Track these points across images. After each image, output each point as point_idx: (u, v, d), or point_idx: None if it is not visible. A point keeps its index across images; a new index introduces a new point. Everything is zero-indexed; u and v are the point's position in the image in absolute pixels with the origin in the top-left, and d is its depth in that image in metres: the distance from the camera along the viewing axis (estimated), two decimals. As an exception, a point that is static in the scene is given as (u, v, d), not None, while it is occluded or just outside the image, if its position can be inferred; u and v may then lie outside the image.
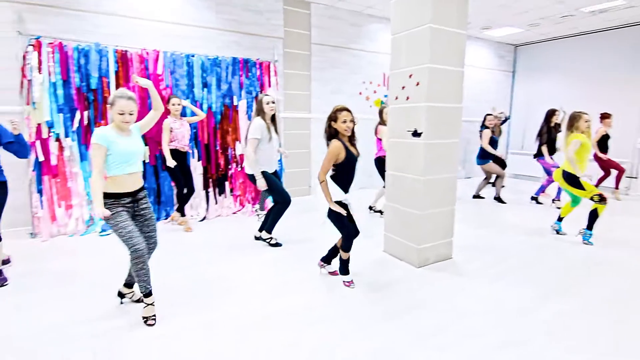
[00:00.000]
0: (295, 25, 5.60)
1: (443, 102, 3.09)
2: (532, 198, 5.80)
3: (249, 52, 5.19)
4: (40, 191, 3.88)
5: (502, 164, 5.98)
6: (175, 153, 4.06)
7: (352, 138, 2.67)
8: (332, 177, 2.65)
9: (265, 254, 3.46)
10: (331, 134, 2.61)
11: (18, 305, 2.45)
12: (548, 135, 5.41)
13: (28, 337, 2.09)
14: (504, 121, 6.54)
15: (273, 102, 3.53)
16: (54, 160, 3.93)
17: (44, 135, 3.87)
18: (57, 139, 3.95)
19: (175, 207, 4.34)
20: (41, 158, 3.86)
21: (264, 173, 3.49)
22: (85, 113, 4.06)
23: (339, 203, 2.61)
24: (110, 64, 4.12)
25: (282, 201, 3.58)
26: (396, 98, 3.30)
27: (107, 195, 2.15)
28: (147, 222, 2.36)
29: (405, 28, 3.13)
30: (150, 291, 2.27)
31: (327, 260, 2.98)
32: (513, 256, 3.46)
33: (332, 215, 2.62)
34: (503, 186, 6.09)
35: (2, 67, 3.79)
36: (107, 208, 2.13)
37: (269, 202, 4.47)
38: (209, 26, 4.89)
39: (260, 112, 3.50)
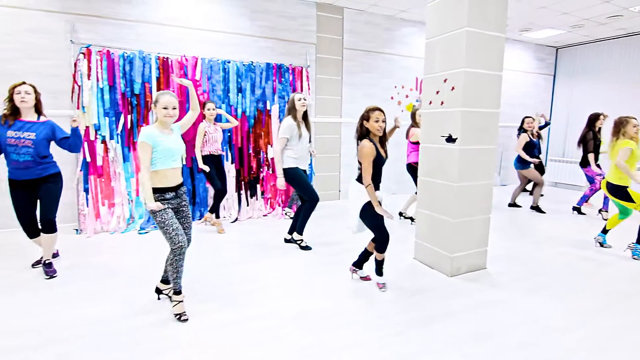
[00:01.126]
0: (327, 31, 5.65)
1: (479, 107, 3.01)
2: (574, 208, 5.49)
3: (282, 57, 5.29)
4: (86, 190, 4.14)
5: (541, 170, 5.72)
6: (209, 157, 4.21)
7: (383, 138, 2.69)
8: (358, 178, 2.67)
9: (295, 257, 3.50)
10: (362, 133, 2.64)
11: (64, 297, 2.62)
12: (593, 141, 5.10)
13: (70, 327, 2.23)
14: (544, 126, 6.26)
15: (305, 100, 3.59)
16: (99, 161, 4.18)
17: (92, 137, 4.13)
18: (103, 141, 4.20)
19: (209, 208, 4.48)
20: (88, 159, 4.12)
21: (295, 169, 3.56)
22: (129, 117, 4.30)
23: (369, 203, 2.61)
24: (152, 70, 4.34)
25: (310, 199, 3.62)
26: (430, 103, 3.25)
27: (152, 190, 2.27)
28: (185, 220, 2.47)
29: (441, 32, 3.08)
30: (181, 289, 2.37)
31: (358, 265, 2.97)
32: (551, 269, 3.29)
33: (367, 216, 2.62)
34: (542, 195, 5.82)
35: (56, 74, 4.09)
36: None
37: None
38: (244, 33, 5.04)
39: (292, 109, 3.55)
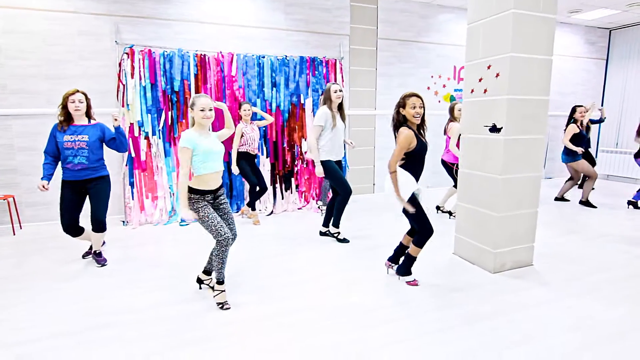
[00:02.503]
0: (361, 21, 5.54)
1: (527, 95, 2.83)
2: (629, 202, 5.08)
3: (315, 50, 5.25)
4: (131, 184, 4.35)
5: (591, 162, 5.33)
6: (245, 155, 4.33)
7: (421, 126, 2.58)
8: (401, 167, 2.56)
9: (331, 250, 3.49)
10: (399, 121, 2.54)
11: (112, 285, 2.77)
12: None
13: (117, 313, 2.35)
14: (597, 121, 5.78)
15: (340, 91, 3.53)
16: (143, 156, 4.37)
17: (136, 133, 4.32)
18: (146, 137, 4.38)
19: (246, 202, 4.57)
20: (133, 154, 4.32)
21: (327, 162, 3.53)
22: (169, 113, 4.45)
23: (411, 195, 2.52)
24: (190, 67, 4.46)
25: (343, 191, 3.58)
26: (472, 91, 3.09)
27: (192, 191, 2.35)
28: (226, 216, 2.54)
29: (485, 15, 2.92)
30: (224, 279, 2.45)
31: (394, 260, 2.91)
32: (605, 268, 3.06)
33: (413, 210, 2.52)
34: (593, 188, 5.43)
35: (103, 74, 4.31)
36: (192, 202, 2.34)
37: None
38: (278, 27, 5.05)
39: (327, 100, 3.52)
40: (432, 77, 6.21)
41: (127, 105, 4.25)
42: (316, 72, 5.12)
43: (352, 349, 1.98)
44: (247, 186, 4.87)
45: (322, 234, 3.84)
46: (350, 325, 2.22)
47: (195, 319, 2.29)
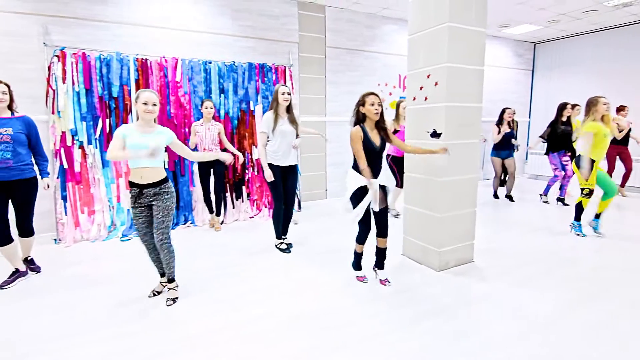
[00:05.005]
0: (310, 30, 5.61)
1: (462, 102, 3.03)
2: (558, 199, 5.63)
3: (264, 57, 5.23)
4: (64, 198, 3.99)
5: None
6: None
7: (380, 123, 2.68)
8: (353, 165, 2.69)
9: (284, 258, 3.45)
10: (358, 119, 2.66)
11: (43, 309, 2.51)
12: (552, 129, 5.44)
13: (52, 339, 2.14)
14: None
15: (289, 94, 3.45)
16: (77, 168, 4.03)
17: (68, 143, 3.99)
18: (81, 147, 4.06)
19: (212, 211, 4.51)
20: (65, 165, 3.97)
21: (271, 166, 3.46)
22: (107, 121, 4.17)
23: (363, 188, 2.62)
24: (130, 72, 4.22)
25: (275, 200, 3.55)
26: (414, 99, 3.25)
27: (129, 183, 2.53)
28: (156, 217, 2.51)
29: (423, 28, 3.09)
30: (172, 276, 2.64)
31: (378, 264, 2.95)
32: (536, 260, 3.34)
33: (355, 203, 2.65)
34: (501, 186, 6.18)
35: (29, 78, 3.93)
36: (131, 196, 2.52)
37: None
38: (225, 33, 4.95)
39: (275, 101, 3.44)
40: (379, 85, 6.44)
41: (58, 112, 3.92)
42: (266, 79, 5.09)
43: (309, 356, 1.97)
44: (194, 195, 4.69)
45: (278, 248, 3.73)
46: (307, 332, 2.21)
47: (143, 337, 2.15)
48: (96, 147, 4.13)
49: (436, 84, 3.00)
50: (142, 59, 4.30)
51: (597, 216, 3.99)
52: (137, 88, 4.28)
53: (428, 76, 3.07)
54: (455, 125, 3.01)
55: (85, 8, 4.13)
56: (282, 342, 2.11)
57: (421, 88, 3.15)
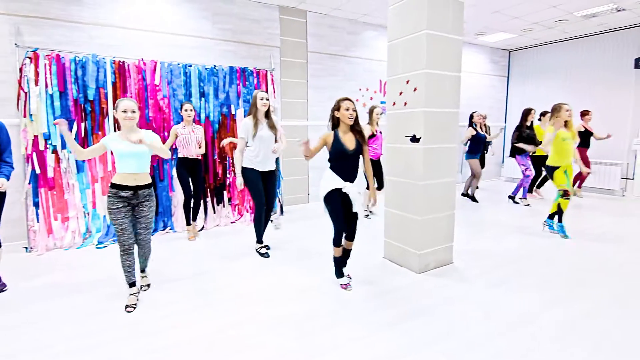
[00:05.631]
0: (291, 34, 5.63)
1: (440, 107, 3.10)
2: (509, 196, 6.06)
3: (246, 61, 5.21)
4: (36, 204, 3.85)
5: (482, 164, 6.35)
6: (184, 161, 4.12)
7: (355, 127, 2.75)
8: (331, 166, 2.79)
9: (265, 263, 3.43)
10: (334, 123, 2.76)
11: (16, 321, 2.40)
12: (519, 133, 5.75)
13: (31, 351, 2.05)
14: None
15: (267, 99, 3.47)
16: (50, 173, 3.90)
17: (41, 147, 3.85)
18: (54, 151, 3.92)
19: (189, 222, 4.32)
20: (37, 170, 3.83)
21: (250, 170, 3.47)
22: (82, 124, 4.05)
23: (337, 190, 2.70)
24: (107, 74, 4.12)
25: (255, 205, 3.56)
26: (394, 104, 3.30)
27: (111, 185, 2.58)
28: (141, 220, 2.65)
29: (402, 34, 3.15)
30: (133, 282, 2.65)
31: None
32: (513, 260, 3.44)
33: (328, 205, 2.73)
34: (477, 187, 6.41)
35: (2, 80, 3.78)
36: (109, 199, 2.54)
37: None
38: (205, 36, 4.91)
39: (254, 107, 3.46)
40: (360, 89, 6.51)
41: (30, 115, 3.78)
42: (247, 83, 5.06)
43: (287, 359, 1.96)
44: (174, 201, 4.60)
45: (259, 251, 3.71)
46: (288, 336, 2.20)
47: (119, 348, 2.09)
48: (70, 152, 4.00)
49: (415, 89, 3.06)
50: (120, 61, 4.20)
51: (551, 216, 4.24)
52: (114, 91, 4.18)
53: (407, 82, 3.13)
54: (433, 129, 3.07)
55: (60, 8, 4.02)
56: (262, 347, 2.09)
57: (401, 93, 3.21)
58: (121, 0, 4.34)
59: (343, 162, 2.71)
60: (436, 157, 3.12)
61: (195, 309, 2.54)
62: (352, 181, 2.73)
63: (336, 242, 2.81)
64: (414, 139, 3.09)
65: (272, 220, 4.60)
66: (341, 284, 2.86)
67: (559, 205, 4.09)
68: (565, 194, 4.00)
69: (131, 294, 2.61)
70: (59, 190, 3.97)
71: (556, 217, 4.16)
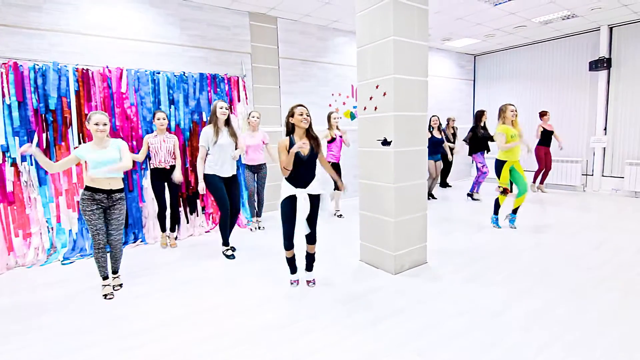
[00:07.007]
0: (262, 40, 5.63)
1: (409, 111, 3.18)
2: (467, 194, 6.47)
3: (216, 67, 5.15)
4: (-5, 220, 3.63)
5: (446, 165, 7.07)
6: (157, 172, 4.07)
7: (309, 133, 2.81)
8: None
9: (239, 272, 3.39)
10: (289, 129, 2.81)
11: (-29, 346, 2.25)
12: (473, 133, 6.16)
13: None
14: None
15: (227, 109, 3.64)
16: (9, 187, 3.69)
17: (-2, 160, 3.65)
18: (13, 164, 3.72)
19: (165, 229, 4.29)
20: (-5, 184, 3.63)
21: (212, 176, 3.63)
22: (44, 135, 3.87)
23: (291, 197, 2.79)
24: (70, 83, 3.97)
25: (220, 208, 3.71)
26: (365, 109, 3.36)
27: (85, 187, 2.80)
28: (113, 221, 2.90)
29: (370, 41, 3.22)
30: (106, 275, 2.91)
31: (307, 268, 3.08)
32: (483, 256, 3.56)
33: (282, 209, 2.82)
34: (437, 185, 6.98)
35: (-51, 90, 3.57)
36: (83, 201, 2.77)
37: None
38: (174, 42, 4.83)
39: (213, 116, 3.62)
40: (332, 95, 6.58)
41: (-14, 127, 3.58)
42: (218, 90, 5.01)
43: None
44: (145, 212, 4.47)
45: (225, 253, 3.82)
46: (267, 345, 2.17)
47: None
48: (31, 164, 3.81)
49: (384, 94, 3.12)
50: (83, 69, 4.05)
51: (514, 211, 4.54)
52: (78, 100, 4.02)
53: (377, 87, 3.19)
54: (402, 133, 3.15)
55: (17, 15, 3.84)
56: (242, 356, 2.06)
57: (371, 98, 3.27)
58: (82, 6, 4.20)
59: (298, 167, 2.75)
60: (407, 160, 3.19)
61: (169, 323, 2.47)
62: (305, 187, 2.79)
63: (286, 246, 2.92)
64: (385, 143, 3.15)
65: (260, 227, 4.88)
66: (291, 280, 3.02)
67: (497, 199, 4.49)
68: (504, 192, 4.39)
69: (105, 285, 2.88)
70: (20, 205, 3.76)
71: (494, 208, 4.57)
